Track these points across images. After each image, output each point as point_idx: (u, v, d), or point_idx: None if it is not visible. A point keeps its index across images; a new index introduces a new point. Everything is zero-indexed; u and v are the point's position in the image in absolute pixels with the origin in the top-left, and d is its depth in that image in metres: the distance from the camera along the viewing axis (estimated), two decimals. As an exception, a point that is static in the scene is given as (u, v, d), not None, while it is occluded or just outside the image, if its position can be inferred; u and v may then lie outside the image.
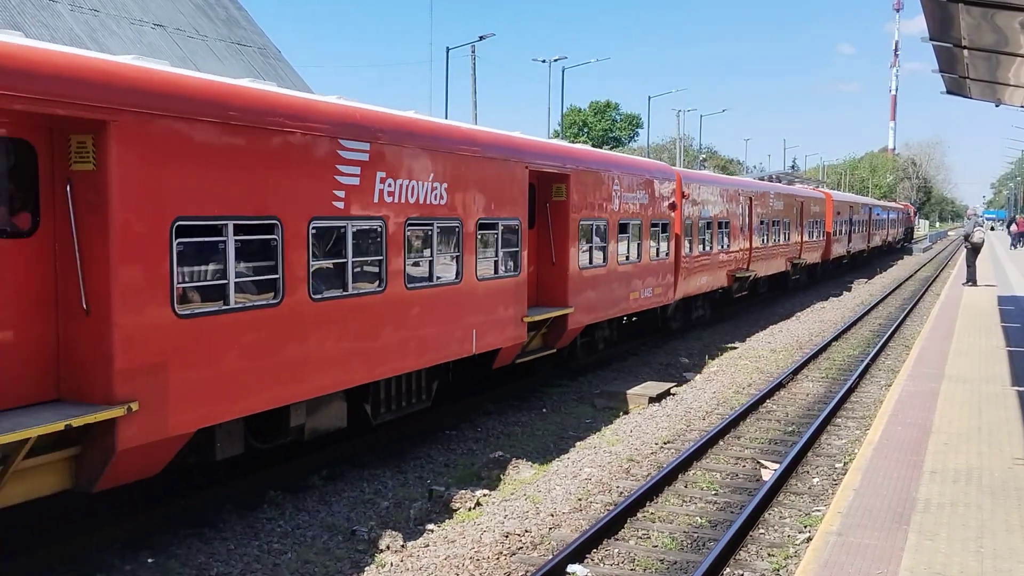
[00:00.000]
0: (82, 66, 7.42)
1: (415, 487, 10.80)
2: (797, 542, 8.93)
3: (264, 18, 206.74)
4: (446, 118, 17.23)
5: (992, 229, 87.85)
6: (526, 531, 9.06)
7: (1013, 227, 65.07)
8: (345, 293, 10.12)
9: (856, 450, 11.61)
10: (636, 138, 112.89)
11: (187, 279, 8.18)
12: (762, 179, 37.00)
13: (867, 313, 28.39)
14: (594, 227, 16.55)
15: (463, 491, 10.35)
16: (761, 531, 9.33)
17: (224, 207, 8.47)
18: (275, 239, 9.04)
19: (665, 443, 12.69)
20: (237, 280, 8.60)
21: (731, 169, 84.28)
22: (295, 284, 9.29)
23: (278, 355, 9.14)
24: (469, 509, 10.02)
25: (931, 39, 13.35)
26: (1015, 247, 61.56)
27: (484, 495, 10.40)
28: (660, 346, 21.26)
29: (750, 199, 27.82)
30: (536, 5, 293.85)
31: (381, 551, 8.79)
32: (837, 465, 11.65)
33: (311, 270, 9.48)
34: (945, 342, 17.87)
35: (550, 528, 9.23)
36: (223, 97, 8.62)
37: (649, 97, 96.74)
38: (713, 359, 20.00)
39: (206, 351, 8.31)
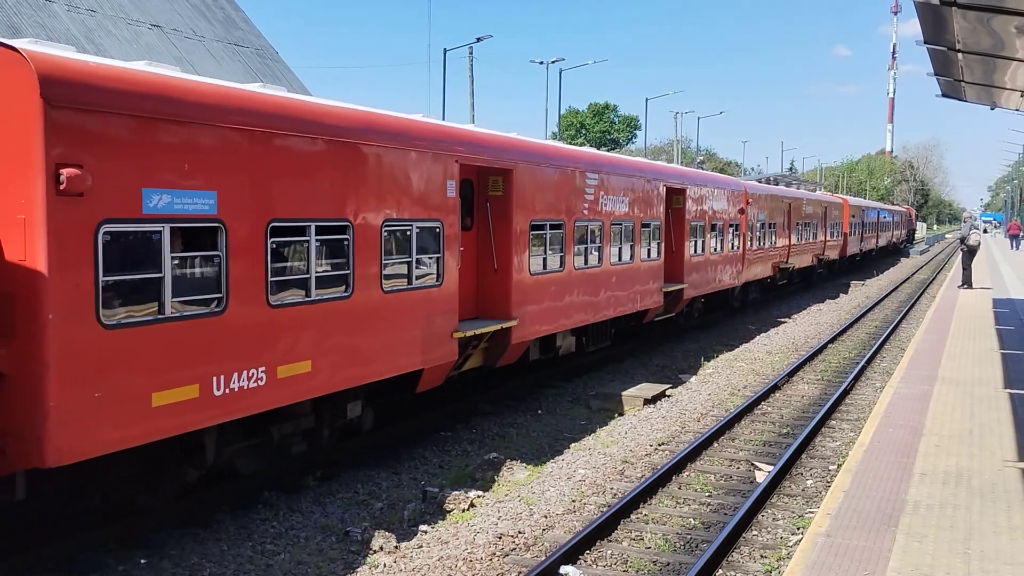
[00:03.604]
0: (502, 141, 13.84)
1: (409, 488, 10.83)
2: (790, 544, 8.97)
3: (261, 18, 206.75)
4: (443, 118, 17.49)
5: (985, 232, 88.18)
6: (520, 532, 9.10)
7: None
8: (587, 266, 16.19)
9: (849, 452, 11.65)
10: (634, 140, 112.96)
11: (533, 253, 14.15)
12: (759, 181, 37.26)
13: (863, 315, 28.45)
14: (698, 227, 22.48)
15: (457, 492, 10.38)
16: (754, 532, 9.38)
17: (547, 214, 14.67)
18: (562, 232, 15.13)
19: (660, 445, 12.73)
20: (547, 255, 14.64)
21: (729, 171, 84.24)
22: (570, 259, 15.41)
23: (561, 301, 15.23)
24: (463, 510, 10.05)
25: (925, 43, 13.42)
26: (1014, 248, 62.15)
27: (478, 496, 10.44)
28: (656, 348, 21.31)
29: (789, 204, 32.84)
30: (534, 6, 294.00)
31: (374, 552, 8.82)
32: (831, 467, 11.68)
33: (574, 249, 15.55)
34: (939, 344, 17.91)
35: (544, 529, 9.27)
36: (548, 151, 15.33)
37: (647, 99, 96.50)
38: (709, 361, 20.03)
39: (538, 297, 14.41)
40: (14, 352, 6.94)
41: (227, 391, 8.38)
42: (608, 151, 33.27)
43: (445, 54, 43.63)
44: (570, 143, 24.94)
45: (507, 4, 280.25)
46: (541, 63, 57.57)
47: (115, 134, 7.39)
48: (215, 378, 8.25)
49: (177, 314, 7.85)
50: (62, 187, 6.89)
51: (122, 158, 7.43)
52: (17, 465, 7.07)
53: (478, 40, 44.93)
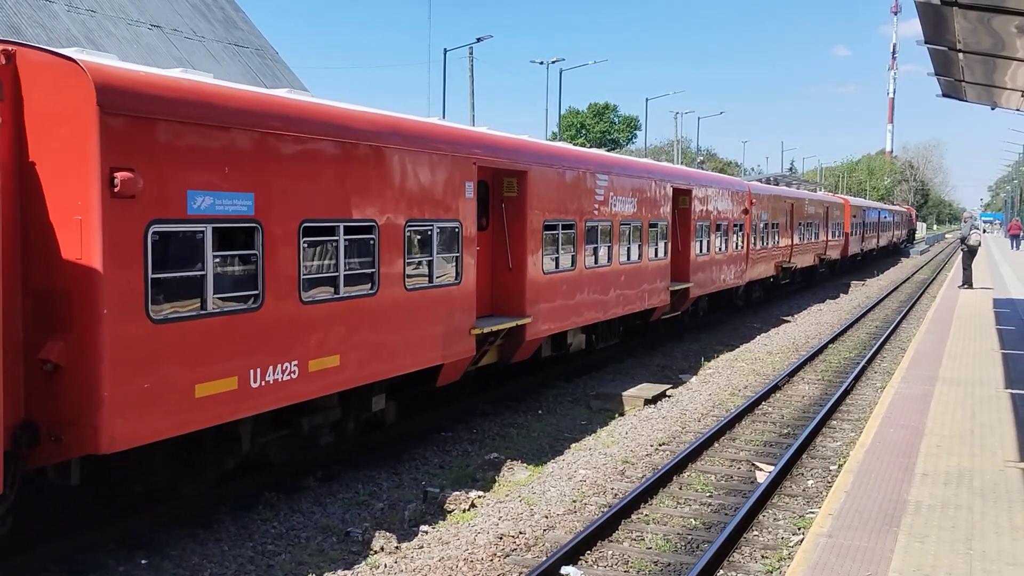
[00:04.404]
0: (517, 143, 14.34)
1: (410, 488, 10.82)
2: (791, 544, 8.95)
3: (261, 18, 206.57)
4: (443, 118, 17.53)
5: (984, 231, 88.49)
6: (520, 532, 9.09)
7: None
8: (597, 265, 16.59)
9: (851, 452, 11.64)
10: (634, 140, 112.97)
11: (546, 252, 14.56)
12: (760, 181, 37.38)
13: (864, 315, 28.44)
14: (703, 227, 22.82)
15: (458, 492, 10.37)
16: (755, 533, 9.36)
17: (559, 214, 15.09)
18: (574, 232, 15.59)
19: (660, 445, 12.72)
20: (560, 254, 15.07)
21: (729, 171, 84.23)
22: (581, 258, 15.82)
23: (572, 299, 15.65)
24: (463, 510, 10.04)
25: (926, 42, 13.41)
26: (1014, 248, 62.37)
27: (479, 496, 10.43)
28: (657, 348, 21.30)
29: (792, 205, 33.36)
30: (534, 6, 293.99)
31: (375, 552, 8.81)
32: (832, 467, 11.67)
33: (585, 249, 15.99)
34: (940, 344, 17.91)
35: (544, 530, 9.26)
36: (560, 154, 15.92)
37: (647, 99, 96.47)
38: (709, 361, 20.02)
39: (550, 295, 14.83)
40: (70, 345, 7.30)
41: (263, 383, 8.85)
42: (608, 151, 33.38)
43: (445, 54, 43.68)
44: (570, 143, 25.09)
45: (507, 4, 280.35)
46: (541, 63, 57.79)
47: (163, 139, 7.77)
48: (252, 371, 8.72)
49: (218, 310, 8.30)
50: (116, 190, 7.24)
51: (169, 162, 7.81)
52: (72, 452, 7.44)
53: (478, 40, 45.00)
